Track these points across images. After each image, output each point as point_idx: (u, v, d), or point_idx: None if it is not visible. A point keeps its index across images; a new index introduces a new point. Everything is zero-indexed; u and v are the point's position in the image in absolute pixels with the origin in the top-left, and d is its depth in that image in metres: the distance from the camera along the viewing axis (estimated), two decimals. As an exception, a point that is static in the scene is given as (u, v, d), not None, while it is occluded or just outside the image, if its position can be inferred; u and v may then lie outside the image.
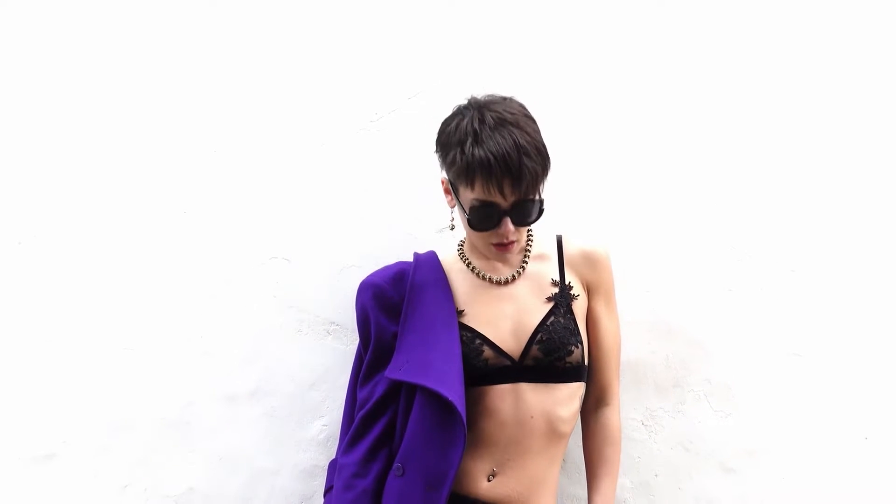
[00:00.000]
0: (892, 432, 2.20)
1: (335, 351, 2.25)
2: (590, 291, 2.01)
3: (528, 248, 1.99)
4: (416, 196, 2.27)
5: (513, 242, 1.87)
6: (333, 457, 2.09)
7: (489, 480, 1.90)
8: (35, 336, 2.22)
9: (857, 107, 2.27)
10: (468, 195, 1.80)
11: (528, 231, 1.99)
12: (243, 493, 2.23)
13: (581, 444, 2.09)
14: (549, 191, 1.85)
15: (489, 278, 1.97)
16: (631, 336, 2.20)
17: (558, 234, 2.02)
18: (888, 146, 2.26)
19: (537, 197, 1.82)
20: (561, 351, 1.90)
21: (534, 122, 1.83)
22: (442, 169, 1.88)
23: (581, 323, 1.97)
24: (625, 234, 2.26)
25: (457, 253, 2.02)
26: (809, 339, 2.23)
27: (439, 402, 1.85)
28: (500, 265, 1.97)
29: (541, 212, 1.84)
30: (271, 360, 2.25)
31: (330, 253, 2.27)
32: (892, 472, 2.20)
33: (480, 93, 1.91)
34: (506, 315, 1.94)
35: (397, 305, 1.96)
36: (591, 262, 2.00)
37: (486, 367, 1.90)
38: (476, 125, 1.78)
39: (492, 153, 1.74)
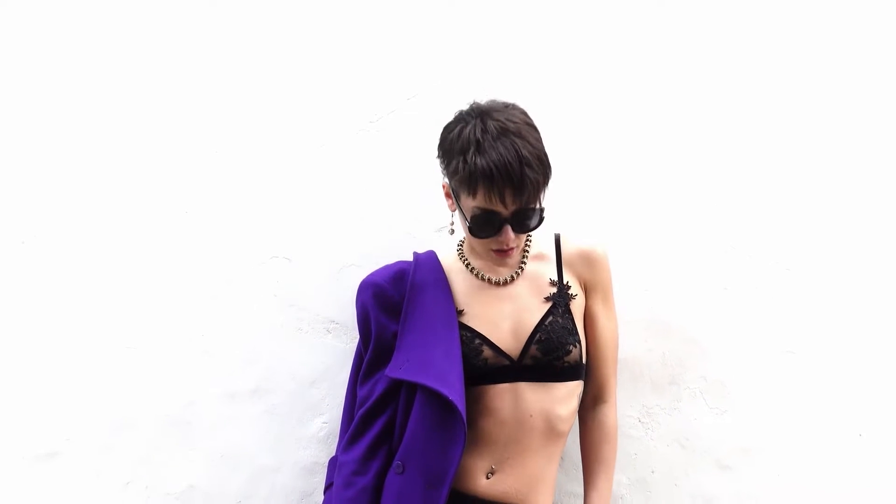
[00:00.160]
0: (886, 429, 2.21)
1: (335, 349, 2.25)
2: (588, 290, 2.01)
3: (527, 248, 1.99)
4: (415, 196, 2.27)
5: (513, 249, 1.87)
6: (333, 454, 2.09)
7: (488, 478, 1.91)
8: (38, 335, 2.23)
9: (850, 108, 2.27)
10: (470, 203, 1.81)
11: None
12: (244, 490, 2.23)
13: (578, 441, 2.10)
14: (548, 189, 1.85)
15: (488, 279, 1.97)
16: (628, 334, 2.20)
17: (556, 232, 2.02)
18: (881, 146, 2.27)
19: (538, 205, 1.82)
20: (559, 350, 1.91)
21: (536, 130, 1.83)
22: (443, 174, 1.89)
23: (579, 322, 1.98)
24: (622, 233, 2.26)
25: (456, 253, 2.03)
26: (804, 337, 2.23)
27: (440, 401, 1.86)
28: (496, 265, 1.98)
29: (541, 219, 1.85)
30: (272, 358, 2.25)
31: (330, 252, 2.27)
32: (886, 468, 2.20)
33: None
34: (505, 315, 1.94)
35: (397, 305, 1.96)
36: (588, 261, 2.01)
37: (485, 366, 1.91)
38: (478, 134, 1.78)
39: (494, 163, 1.74)
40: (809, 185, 2.27)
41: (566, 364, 1.92)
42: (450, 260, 2.03)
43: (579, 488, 2.12)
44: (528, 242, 2.00)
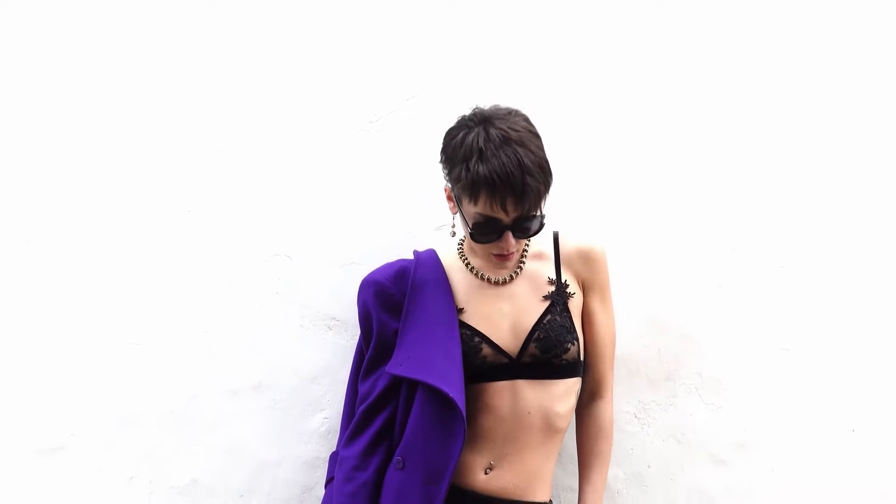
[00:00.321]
0: (879, 424, 2.22)
1: (336, 346, 2.25)
2: (586, 288, 2.02)
3: (526, 247, 2.00)
4: (415, 195, 2.27)
5: (513, 253, 1.89)
6: (334, 449, 2.10)
7: (486, 473, 1.92)
8: (43, 332, 2.24)
9: (844, 107, 2.28)
10: (471, 209, 1.82)
11: None
12: (247, 484, 2.24)
13: (575, 436, 2.11)
14: (549, 195, 1.86)
15: (487, 278, 1.98)
16: (624, 331, 2.20)
17: (555, 231, 2.03)
18: (874, 146, 2.27)
19: (539, 212, 1.84)
20: (557, 348, 1.93)
21: (538, 137, 1.83)
22: (445, 178, 1.89)
23: (577, 320, 1.99)
24: (619, 232, 2.26)
25: (457, 252, 2.04)
26: (798, 334, 2.24)
27: (440, 398, 1.87)
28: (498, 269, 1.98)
29: (542, 225, 1.86)
30: (274, 354, 2.26)
31: (331, 250, 2.27)
32: (878, 463, 2.21)
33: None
34: (504, 314, 1.95)
35: (399, 302, 1.97)
36: (587, 260, 2.01)
37: (484, 364, 1.92)
38: (481, 143, 1.78)
39: (496, 172, 1.75)
40: (804, 184, 2.27)
41: (564, 362, 1.94)
42: (450, 258, 2.03)
43: (576, 482, 2.11)
44: (527, 241, 1.99)
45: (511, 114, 1.85)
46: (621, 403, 2.23)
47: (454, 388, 1.86)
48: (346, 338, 2.26)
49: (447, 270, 2.01)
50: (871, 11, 2.29)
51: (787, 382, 2.24)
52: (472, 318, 1.95)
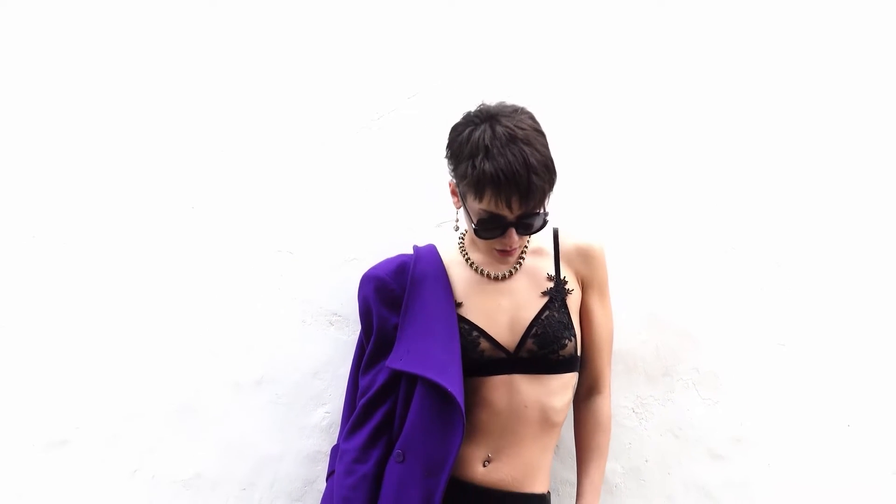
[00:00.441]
0: (874, 420, 2.23)
1: (337, 341, 2.26)
2: (584, 285, 2.03)
3: (526, 243, 2.00)
4: (416, 192, 2.28)
5: (515, 249, 1.90)
6: (336, 443, 2.10)
7: (485, 466, 1.94)
8: (49, 327, 2.24)
9: (840, 106, 2.29)
10: (476, 205, 1.82)
11: None
12: (249, 477, 2.24)
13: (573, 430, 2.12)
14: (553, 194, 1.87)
15: (487, 274, 1.99)
16: (622, 327, 2.21)
17: (555, 227, 2.02)
18: (869, 145, 2.28)
19: (542, 210, 1.84)
20: (555, 344, 1.94)
21: (543, 136, 1.84)
22: (450, 174, 1.90)
23: (575, 316, 2.00)
24: (618, 230, 2.27)
25: (457, 246, 2.04)
26: (794, 330, 2.25)
27: (439, 393, 1.88)
28: (500, 264, 1.99)
29: (545, 223, 1.86)
30: (276, 349, 2.26)
31: (333, 247, 2.28)
32: (873, 457, 2.22)
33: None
34: (502, 309, 1.97)
35: (398, 298, 1.98)
36: (586, 257, 2.02)
37: (482, 358, 1.93)
38: (487, 140, 1.78)
39: (502, 170, 1.76)
40: (801, 181, 2.28)
41: (561, 357, 1.95)
42: (450, 253, 2.04)
43: (575, 476, 2.12)
44: (527, 238, 2.00)
45: (517, 111, 1.85)
46: (619, 398, 2.24)
47: (453, 383, 1.87)
48: (347, 333, 2.26)
49: (447, 265, 2.01)
50: (871, 11, 2.30)
51: (783, 378, 2.25)
52: (471, 312, 1.97)
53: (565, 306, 1.98)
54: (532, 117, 1.86)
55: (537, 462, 1.97)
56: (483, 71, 2.30)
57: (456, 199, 1.92)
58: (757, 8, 2.31)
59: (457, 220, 1.98)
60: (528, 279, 1.99)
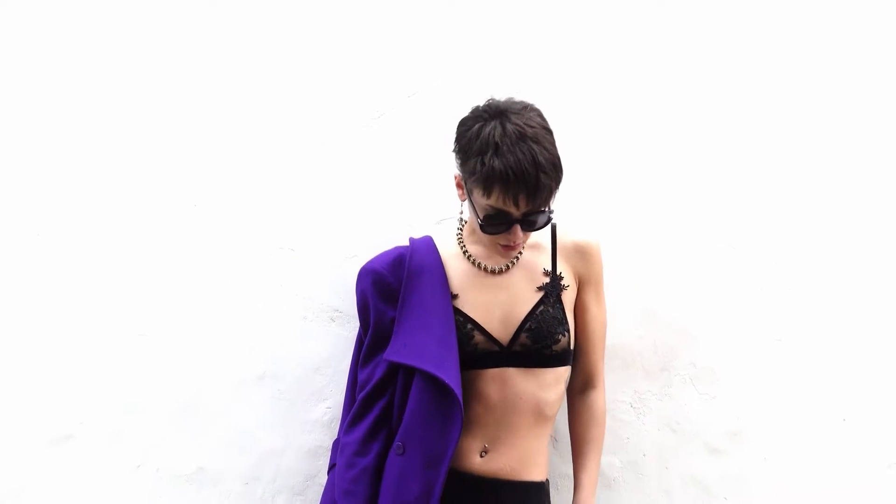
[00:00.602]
0: (869, 414, 2.24)
1: (338, 337, 2.27)
2: (581, 282, 2.04)
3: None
4: (416, 190, 2.30)
5: (519, 244, 1.91)
6: (337, 437, 2.11)
7: (482, 457, 1.95)
8: (54, 323, 2.25)
9: (836, 105, 2.30)
10: (483, 201, 1.83)
11: None
12: (251, 472, 2.25)
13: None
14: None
15: (484, 267, 2.00)
16: (621, 323, 2.23)
17: (553, 222, 2.01)
18: (864, 143, 2.29)
19: (548, 208, 1.85)
20: (548, 339, 1.95)
21: (551, 133, 1.84)
22: (457, 167, 1.90)
23: (569, 312, 2.01)
24: (617, 226, 2.28)
25: (455, 239, 2.05)
26: (790, 326, 2.26)
27: (437, 385, 1.89)
28: (495, 254, 1.99)
29: (549, 220, 1.87)
30: (278, 346, 2.27)
31: (334, 244, 2.29)
32: (868, 451, 2.23)
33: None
34: (498, 303, 1.97)
35: (395, 291, 1.99)
36: (583, 255, 2.04)
37: (475, 351, 1.94)
38: (497, 138, 1.78)
39: (511, 168, 1.76)
40: (797, 179, 2.29)
41: (554, 352, 1.96)
42: (447, 245, 2.04)
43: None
44: None
45: (526, 108, 1.85)
46: (618, 393, 2.25)
47: (451, 376, 1.88)
48: (348, 329, 2.27)
49: (443, 257, 2.02)
50: (870, 11, 2.31)
51: (779, 373, 2.26)
52: (466, 305, 1.97)
53: (560, 302, 1.99)
54: (541, 115, 1.86)
55: (533, 451, 1.98)
56: (482, 70, 2.31)
57: (461, 192, 1.92)
58: (754, 7, 2.32)
59: (461, 213, 1.99)
60: (525, 273, 2.00)
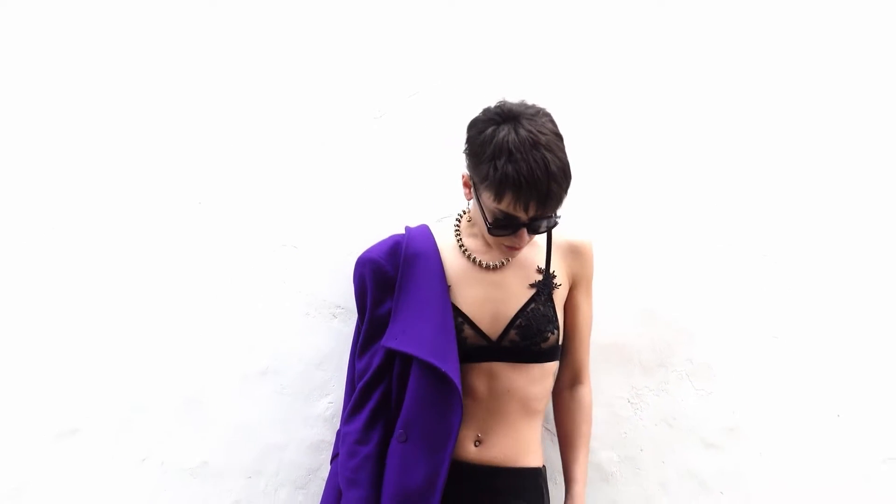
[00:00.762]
0: (863, 410, 2.25)
1: (340, 333, 2.27)
2: (574, 282, 2.06)
3: None
4: (417, 188, 2.31)
5: (523, 246, 1.92)
6: (339, 427, 2.10)
7: (476, 446, 1.96)
8: (61, 319, 2.26)
9: (832, 104, 2.31)
10: (493, 205, 1.83)
11: None
12: (254, 465, 2.26)
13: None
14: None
15: (479, 262, 2.00)
16: (619, 320, 2.25)
17: None
18: (860, 142, 2.30)
19: (555, 214, 1.86)
20: (537, 337, 1.96)
21: (562, 140, 1.83)
22: (467, 167, 1.89)
23: (559, 310, 2.02)
24: (614, 224, 2.30)
25: (453, 230, 2.05)
26: (786, 323, 2.28)
27: (435, 374, 1.90)
28: (490, 249, 2.00)
29: (555, 224, 1.88)
30: (280, 342, 2.28)
31: (336, 241, 2.30)
32: (862, 447, 2.25)
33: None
34: (489, 298, 1.98)
35: (392, 280, 1.99)
36: (578, 255, 2.05)
37: (464, 345, 1.95)
38: (510, 144, 1.77)
39: (524, 176, 1.76)
40: (793, 177, 2.30)
41: (543, 349, 1.98)
42: (444, 237, 2.04)
43: None
44: None
45: (539, 114, 1.84)
46: (615, 389, 2.27)
47: (449, 364, 1.89)
48: (349, 325, 2.25)
49: (440, 247, 2.02)
50: (870, 11, 2.32)
51: (775, 370, 2.27)
52: (458, 298, 1.98)
53: (551, 299, 2.00)
54: (552, 121, 1.85)
55: (526, 439, 1.99)
56: (483, 70, 2.32)
57: (468, 191, 1.92)
58: (745, 7, 2.33)
59: (469, 211, 2.00)
60: (518, 270, 2.01)
